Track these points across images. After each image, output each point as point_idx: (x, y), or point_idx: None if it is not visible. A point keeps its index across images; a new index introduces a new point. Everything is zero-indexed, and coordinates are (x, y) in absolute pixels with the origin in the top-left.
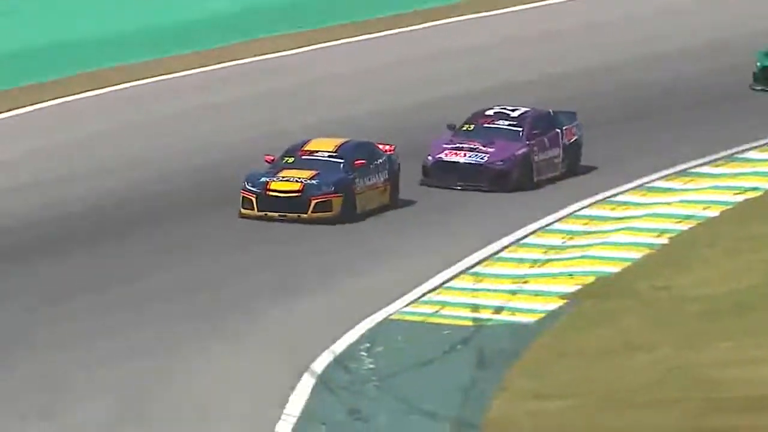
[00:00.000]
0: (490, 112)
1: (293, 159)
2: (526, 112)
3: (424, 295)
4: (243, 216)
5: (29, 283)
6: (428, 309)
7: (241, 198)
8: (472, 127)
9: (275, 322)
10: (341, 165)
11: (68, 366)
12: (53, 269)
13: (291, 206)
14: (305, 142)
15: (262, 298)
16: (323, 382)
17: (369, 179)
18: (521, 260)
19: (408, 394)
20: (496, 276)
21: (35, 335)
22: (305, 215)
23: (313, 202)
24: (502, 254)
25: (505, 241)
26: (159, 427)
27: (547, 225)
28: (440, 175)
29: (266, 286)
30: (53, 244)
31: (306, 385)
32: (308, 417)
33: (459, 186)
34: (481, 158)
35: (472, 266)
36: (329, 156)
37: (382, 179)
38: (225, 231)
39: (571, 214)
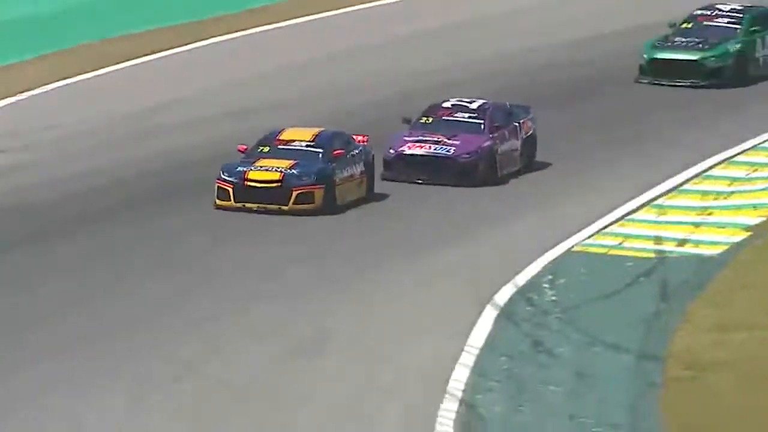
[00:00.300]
0: (447, 104)
1: (269, 148)
2: (484, 104)
3: (606, 227)
4: (218, 207)
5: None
6: (611, 241)
7: (215, 188)
8: (431, 119)
9: (459, 256)
10: (320, 155)
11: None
12: None
13: (271, 197)
14: (279, 132)
15: (445, 235)
16: (506, 314)
17: (347, 170)
18: (705, 192)
19: (590, 326)
20: (680, 208)
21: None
22: (286, 207)
23: (295, 193)
24: (686, 186)
25: (690, 173)
26: (338, 352)
27: (732, 157)
28: (403, 168)
29: (449, 224)
30: None
31: (488, 317)
32: (491, 349)
33: (420, 180)
34: (447, 151)
35: (655, 198)
36: (306, 145)
37: (358, 171)
38: None
39: (756, 146)
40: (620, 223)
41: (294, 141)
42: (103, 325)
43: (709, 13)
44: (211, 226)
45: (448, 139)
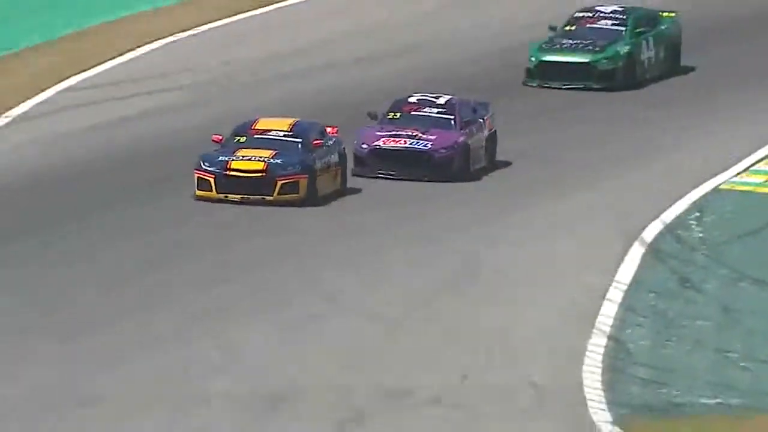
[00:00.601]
0: (413, 99)
1: (245, 138)
2: (451, 99)
3: (753, 165)
4: (199, 198)
5: None
6: (757, 179)
7: (195, 179)
8: (398, 115)
9: (606, 192)
10: (298, 145)
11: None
12: None
13: (254, 187)
14: (253, 122)
15: (590, 176)
16: (653, 250)
17: (324, 161)
18: None
19: (737, 262)
20: None
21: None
22: (270, 197)
23: (279, 183)
24: None
25: None
26: (488, 288)
27: None
28: (378, 163)
29: (592, 167)
30: None
31: (636, 253)
32: (638, 285)
33: (393, 174)
34: (424, 145)
35: None
36: (285, 135)
37: (333, 162)
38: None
39: None
40: (766, 161)
41: (270, 131)
42: (255, 257)
43: (591, 15)
44: None
45: (423, 134)
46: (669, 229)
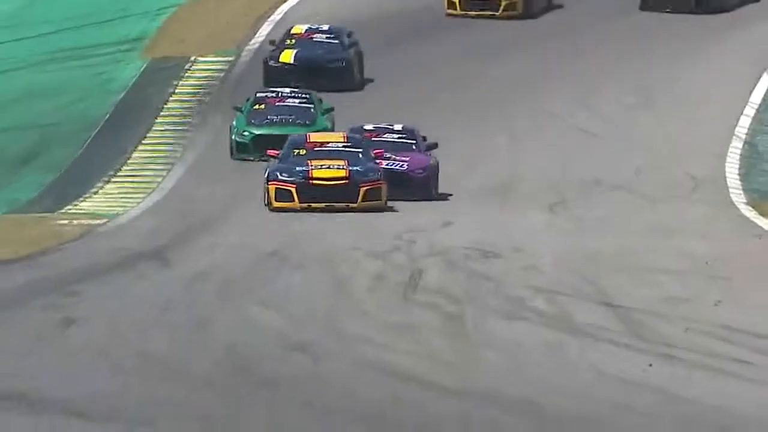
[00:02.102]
0: (369, 127)
1: (305, 151)
2: (405, 126)
3: None
4: (275, 209)
5: None
6: None
7: (271, 192)
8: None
9: (743, 34)
10: (359, 154)
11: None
12: None
13: (338, 195)
14: (306, 136)
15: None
16: None
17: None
18: None
19: None
20: None
21: None
22: (354, 204)
23: (363, 190)
24: None
25: None
26: (663, 111)
27: None
28: None
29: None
30: None
31: (765, 79)
32: (767, 104)
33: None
34: (401, 166)
35: None
36: (343, 146)
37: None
38: None
39: None
40: None
41: (328, 143)
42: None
43: (274, 95)
44: None
45: (397, 156)
46: None
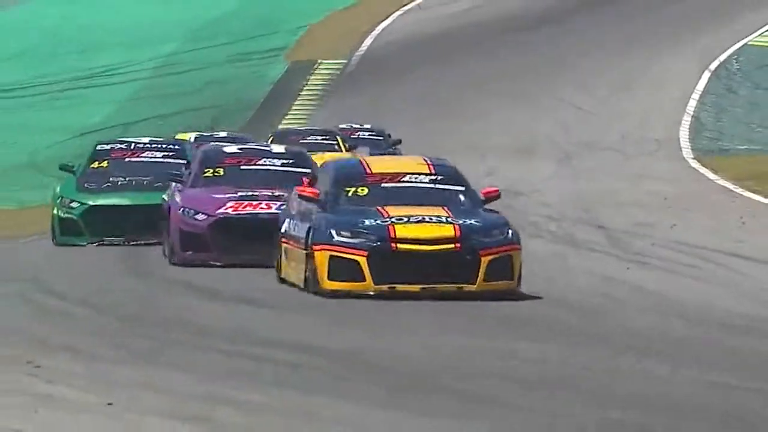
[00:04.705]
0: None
1: (366, 189)
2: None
3: None
4: (329, 293)
5: None
6: None
7: (321, 261)
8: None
9: None
10: (460, 195)
11: None
12: None
13: (442, 268)
14: (365, 165)
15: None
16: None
17: None
18: None
19: None
20: None
21: None
22: (472, 286)
23: (486, 260)
24: None
25: None
26: (638, 93)
27: None
28: None
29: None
30: None
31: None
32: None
33: None
34: None
35: None
36: (431, 181)
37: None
38: None
39: None
40: None
41: (403, 174)
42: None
43: (125, 146)
44: None
45: None
46: None
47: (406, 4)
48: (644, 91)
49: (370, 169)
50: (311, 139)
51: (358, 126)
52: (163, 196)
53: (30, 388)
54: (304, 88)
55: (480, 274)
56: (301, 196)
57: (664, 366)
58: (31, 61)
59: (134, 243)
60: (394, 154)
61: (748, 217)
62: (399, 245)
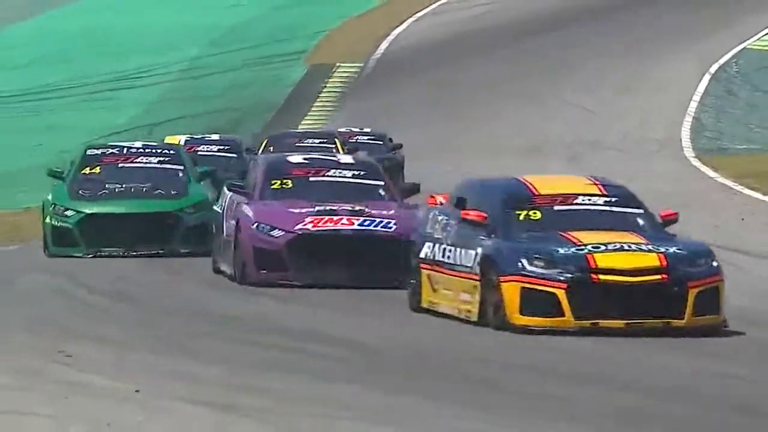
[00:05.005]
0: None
1: (539, 213)
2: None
3: None
4: (527, 327)
5: None
6: None
7: (512, 295)
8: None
9: None
10: (641, 219)
11: None
12: None
13: (648, 302)
14: (526, 186)
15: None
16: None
17: None
18: None
19: None
20: None
21: None
22: (681, 321)
23: (694, 292)
24: None
25: None
26: (640, 96)
27: None
28: None
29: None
30: None
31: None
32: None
33: None
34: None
35: None
36: (605, 202)
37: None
38: None
39: None
40: None
41: (575, 196)
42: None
43: (117, 152)
44: None
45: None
46: None
47: (420, 11)
48: (647, 93)
49: (536, 189)
50: (309, 142)
51: (357, 130)
52: (216, 207)
53: (61, 377)
54: (323, 90)
55: (688, 307)
56: (464, 220)
57: (666, 356)
58: (61, 65)
59: (134, 254)
60: (395, 158)
61: (748, 214)
62: (600, 276)
